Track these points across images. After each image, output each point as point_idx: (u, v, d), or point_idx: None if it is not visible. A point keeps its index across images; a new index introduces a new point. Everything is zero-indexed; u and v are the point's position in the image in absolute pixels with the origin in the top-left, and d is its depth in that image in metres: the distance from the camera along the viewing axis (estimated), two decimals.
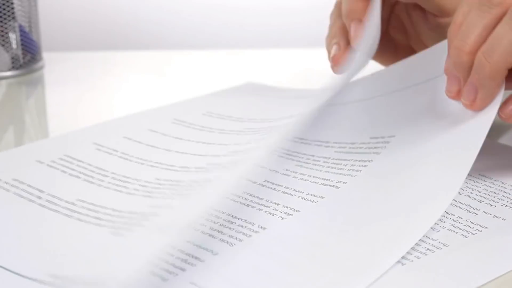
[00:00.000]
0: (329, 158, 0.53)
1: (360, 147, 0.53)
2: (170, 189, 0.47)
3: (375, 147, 0.52)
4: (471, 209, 0.47)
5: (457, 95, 0.50)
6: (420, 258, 0.41)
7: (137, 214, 0.44)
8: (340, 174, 0.50)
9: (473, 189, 0.50)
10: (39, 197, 0.48)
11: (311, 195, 0.48)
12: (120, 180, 0.50)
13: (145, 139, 0.57)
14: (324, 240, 0.43)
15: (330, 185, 0.49)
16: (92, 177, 0.51)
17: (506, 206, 0.47)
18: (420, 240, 0.43)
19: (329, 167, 0.51)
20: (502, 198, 0.49)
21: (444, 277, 0.40)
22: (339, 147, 0.54)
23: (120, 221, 0.43)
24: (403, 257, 0.41)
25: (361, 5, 0.55)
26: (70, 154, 0.54)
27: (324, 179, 0.50)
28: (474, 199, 0.48)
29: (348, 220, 0.45)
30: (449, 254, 0.42)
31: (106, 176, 0.51)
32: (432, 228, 0.44)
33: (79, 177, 0.51)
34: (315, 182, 0.50)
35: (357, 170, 0.50)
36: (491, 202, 0.48)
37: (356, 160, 0.51)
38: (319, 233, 0.44)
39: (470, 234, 0.44)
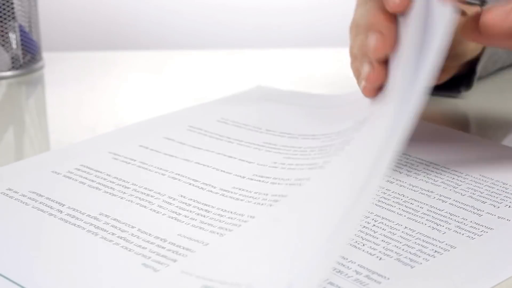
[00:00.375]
0: (315, 147, 0.53)
1: (345, 132, 0.53)
2: (198, 214, 0.46)
3: (356, 128, 0.53)
4: (475, 210, 0.47)
5: None
6: (428, 260, 0.41)
7: (166, 243, 0.42)
8: (325, 156, 0.51)
9: (475, 190, 0.50)
10: (60, 211, 0.46)
11: (298, 179, 0.49)
12: (142, 192, 0.49)
13: (162, 147, 0.56)
14: (310, 221, 0.42)
15: (316, 167, 0.50)
16: (112, 188, 0.49)
17: (509, 207, 0.48)
18: (426, 242, 0.43)
19: (315, 154, 0.52)
20: (505, 198, 0.49)
21: (453, 280, 0.40)
22: (325, 138, 0.54)
23: (151, 248, 0.42)
24: (411, 260, 0.41)
25: (382, 17, 0.51)
26: (87, 164, 0.53)
27: (311, 164, 0.51)
28: (477, 200, 0.49)
29: (333, 198, 0.44)
30: (457, 256, 0.42)
31: (127, 187, 0.49)
32: (437, 230, 0.45)
33: (99, 189, 0.49)
34: (302, 169, 0.50)
35: (341, 149, 0.50)
36: (494, 203, 0.48)
37: (340, 142, 0.52)
38: (305, 214, 0.44)
39: (476, 236, 0.44)
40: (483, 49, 0.63)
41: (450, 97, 0.66)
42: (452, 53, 0.58)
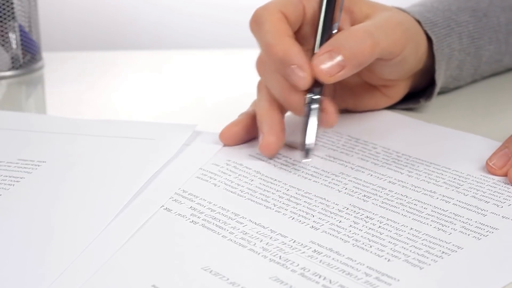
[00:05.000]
0: None
1: (9, 166, 0.54)
2: None
3: (25, 167, 0.54)
4: (479, 210, 0.48)
5: None
6: (436, 261, 0.42)
7: None
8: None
9: (477, 190, 0.50)
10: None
11: None
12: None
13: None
14: None
15: None
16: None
17: None
18: (433, 243, 0.44)
19: None
20: (508, 198, 0.49)
21: (463, 280, 0.40)
22: None
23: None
24: (420, 261, 0.42)
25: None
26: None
27: None
28: (480, 200, 0.49)
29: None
30: (465, 257, 0.42)
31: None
32: (443, 231, 0.45)
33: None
34: None
35: (9, 185, 0.51)
36: (497, 203, 0.49)
37: (6, 176, 0.52)
38: None
39: (482, 236, 0.44)
40: (433, 57, 0.62)
41: (408, 110, 0.64)
42: (388, 65, 0.59)
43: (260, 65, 0.58)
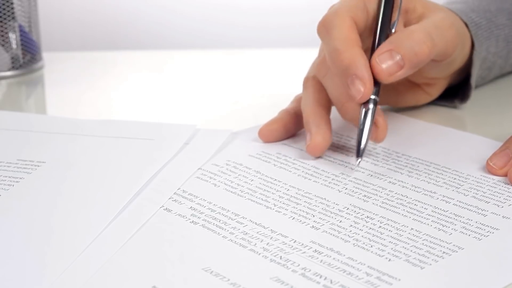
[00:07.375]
0: None
1: (8, 166, 0.54)
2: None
3: (24, 167, 0.54)
4: (479, 211, 0.48)
5: None
6: (437, 261, 0.42)
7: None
8: None
9: (477, 190, 0.50)
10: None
11: None
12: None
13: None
14: None
15: None
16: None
17: None
18: (434, 243, 0.44)
19: None
20: (508, 198, 0.49)
21: (463, 280, 0.40)
22: None
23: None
24: (420, 261, 0.42)
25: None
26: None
27: None
28: (481, 200, 0.49)
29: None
30: (465, 257, 0.42)
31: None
32: (444, 231, 0.45)
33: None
34: None
35: (9, 185, 0.51)
36: (497, 203, 0.49)
37: (6, 176, 0.52)
38: None
39: (483, 236, 0.44)
40: (471, 58, 0.63)
41: (446, 107, 0.66)
42: (438, 66, 0.60)
43: (322, 67, 0.57)
